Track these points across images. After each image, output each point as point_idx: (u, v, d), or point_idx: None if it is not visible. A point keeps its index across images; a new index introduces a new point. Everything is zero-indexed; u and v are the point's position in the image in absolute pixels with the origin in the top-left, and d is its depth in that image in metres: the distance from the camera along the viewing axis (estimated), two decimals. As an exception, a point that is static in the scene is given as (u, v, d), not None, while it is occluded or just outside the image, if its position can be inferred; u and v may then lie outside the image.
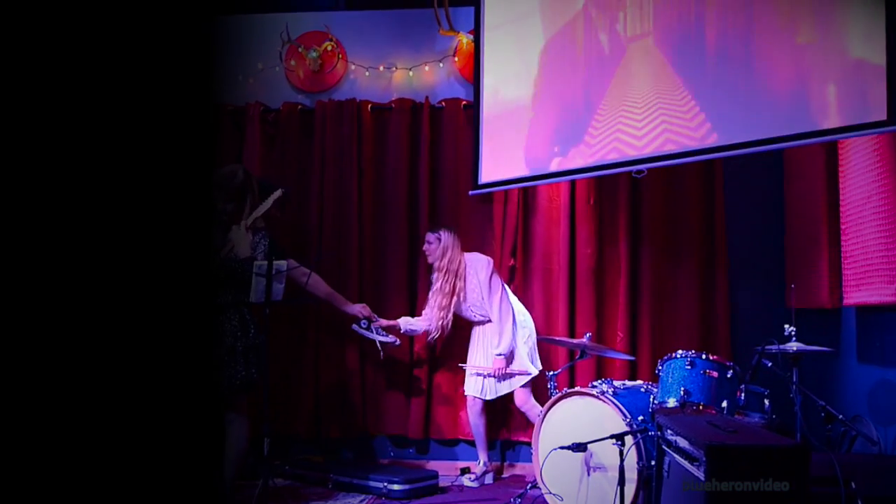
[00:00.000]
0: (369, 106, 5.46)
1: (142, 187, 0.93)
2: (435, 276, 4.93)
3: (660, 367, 3.92)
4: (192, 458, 1.00)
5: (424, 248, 4.95)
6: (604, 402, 3.85)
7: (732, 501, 2.25)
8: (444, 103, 5.44)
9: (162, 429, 0.96)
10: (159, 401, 0.96)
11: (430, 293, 4.97)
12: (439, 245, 4.87)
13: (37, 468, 0.87)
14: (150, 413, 0.95)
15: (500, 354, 4.70)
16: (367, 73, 5.55)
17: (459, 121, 5.41)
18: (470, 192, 5.24)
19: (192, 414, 1.00)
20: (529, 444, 4.53)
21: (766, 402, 3.78)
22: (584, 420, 3.88)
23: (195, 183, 0.99)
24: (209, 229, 1.05)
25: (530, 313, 5.22)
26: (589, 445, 3.67)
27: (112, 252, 0.91)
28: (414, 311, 5.28)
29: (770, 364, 3.63)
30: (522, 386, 4.76)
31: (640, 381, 4.34)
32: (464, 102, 5.41)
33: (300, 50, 5.50)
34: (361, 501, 4.36)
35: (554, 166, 4.78)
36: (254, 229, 3.85)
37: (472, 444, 5.24)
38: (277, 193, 3.90)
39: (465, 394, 4.92)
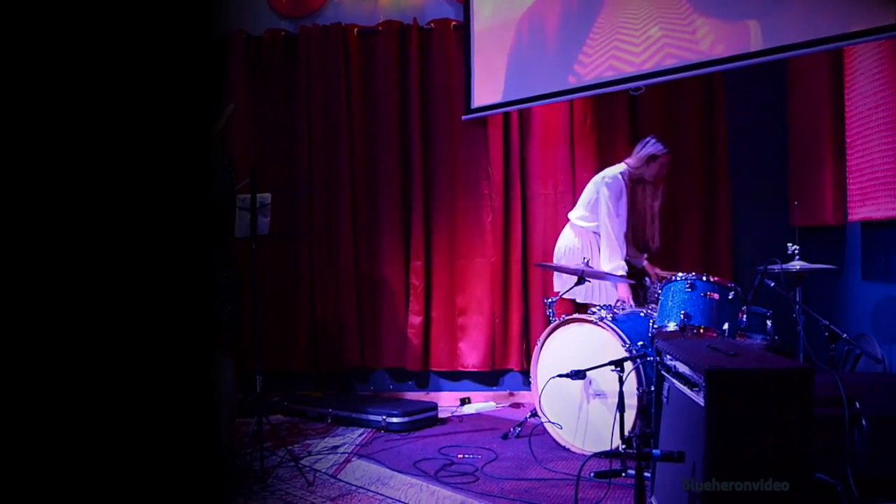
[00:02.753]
0: (355, 30, 5.25)
1: (142, 125, 0.85)
2: (648, 190, 4.52)
3: (659, 291, 3.83)
4: (185, 399, 0.94)
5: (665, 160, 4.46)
6: (602, 328, 3.78)
7: (733, 425, 2.17)
8: (433, 24, 5.23)
9: (156, 370, 0.90)
10: (153, 340, 0.89)
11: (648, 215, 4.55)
12: None
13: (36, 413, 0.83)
14: (143, 355, 0.88)
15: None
16: (351, -5, 5.32)
17: (450, 42, 5.20)
18: (463, 117, 5.07)
19: (185, 355, 0.94)
20: (528, 372, 4.48)
21: (769, 323, 3.70)
22: (583, 347, 3.81)
23: (197, 119, 0.91)
24: (210, 163, 0.98)
25: (529, 240, 5.16)
26: (588, 372, 3.61)
27: (117, 189, 0.84)
28: (409, 242, 5.18)
29: (773, 284, 3.54)
30: None
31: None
32: (454, 23, 5.19)
33: (281, -27, 5.27)
34: (360, 435, 4.33)
35: (549, 87, 4.60)
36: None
37: (472, 375, 5.20)
38: (230, 109, 3.72)
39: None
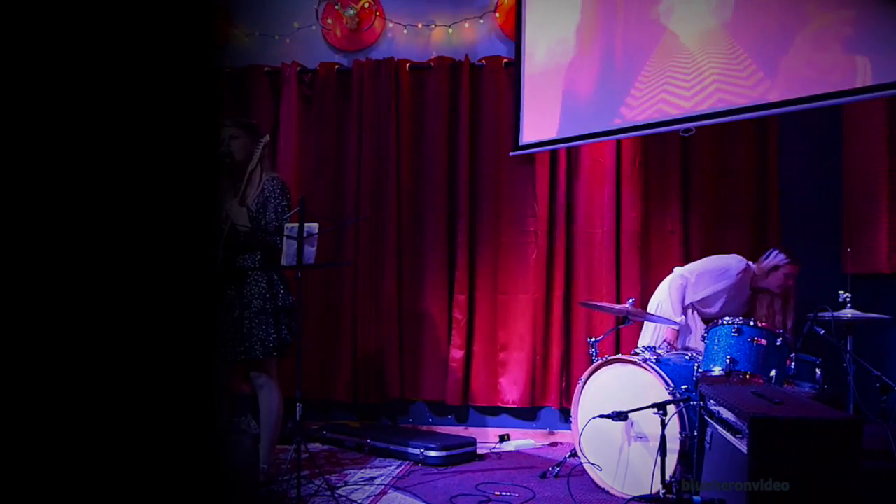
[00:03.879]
0: (407, 65, 5.33)
1: (140, 149, 0.87)
2: (777, 304, 4.39)
3: (706, 334, 3.77)
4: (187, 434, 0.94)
5: (794, 278, 4.33)
6: (646, 369, 3.73)
7: (777, 474, 2.12)
8: (484, 61, 5.27)
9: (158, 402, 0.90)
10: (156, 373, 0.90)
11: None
12: None
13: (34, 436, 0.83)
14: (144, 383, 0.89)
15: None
16: (405, 31, 5.41)
17: (500, 79, 5.25)
18: (511, 153, 5.09)
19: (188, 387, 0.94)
20: (569, 411, 4.42)
21: (818, 371, 3.61)
22: (625, 388, 3.76)
23: (197, 145, 0.92)
24: (214, 194, 0.98)
25: (573, 278, 5.12)
26: (630, 414, 3.56)
27: (113, 216, 0.85)
28: (453, 276, 5.19)
29: (823, 332, 3.46)
30: None
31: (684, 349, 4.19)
32: (505, 60, 5.24)
33: (337, 8, 5.38)
34: (398, 467, 4.31)
35: (597, 126, 4.60)
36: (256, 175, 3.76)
37: (511, 411, 5.16)
38: (265, 139, 3.79)
39: None
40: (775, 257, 4.31)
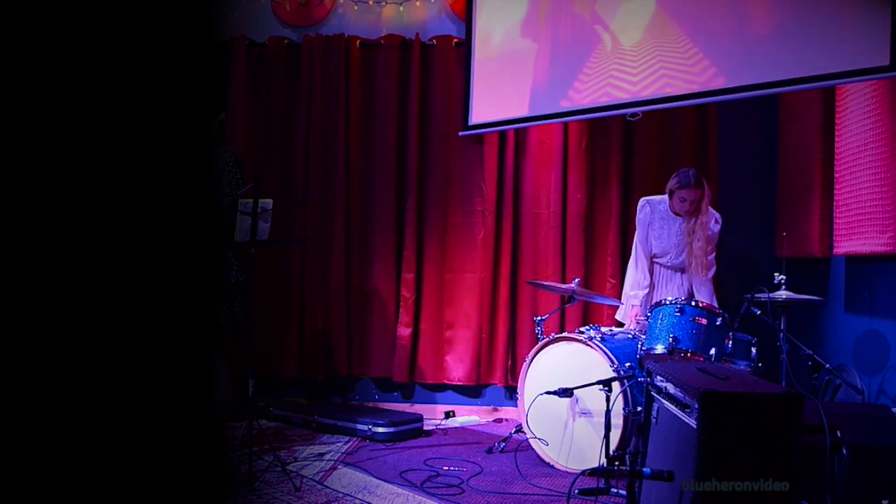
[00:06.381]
0: (358, 42, 5.31)
1: (139, 126, 0.87)
2: (695, 223, 4.13)
3: (648, 314, 3.90)
4: (184, 399, 0.96)
5: (690, 202, 4.09)
6: (591, 347, 3.84)
7: (725, 447, 2.23)
8: (434, 41, 5.30)
9: (154, 369, 0.91)
10: (152, 342, 0.91)
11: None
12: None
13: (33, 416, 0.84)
14: (141, 353, 0.90)
15: None
16: (355, 8, 5.38)
17: (450, 59, 5.27)
18: (460, 133, 5.14)
19: (185, 353, 0.95)
20: (515, 388, 4.53)
21: (754, 350, 3.77)
22: (571, 365, 3.87)
23: (194, 121, 0.93)
24: (209, 167, 0.98)
25: (520, 258, 5.21)
26: (575, 391, 3.67)
27: (112, 192, 0.85)
28: (401, 255, 5.22)
29: (759, 312, 3.62)
30: None
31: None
32: (455, 40, 5.27)
33: (287, -18, 5.33)
34: (346, 443, 4.36)
35: (546, 108, 4.68)
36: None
37: (456, 388, 5.25)
38: (221, 116, 3.77)
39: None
40: (669, 182, 4.16)
